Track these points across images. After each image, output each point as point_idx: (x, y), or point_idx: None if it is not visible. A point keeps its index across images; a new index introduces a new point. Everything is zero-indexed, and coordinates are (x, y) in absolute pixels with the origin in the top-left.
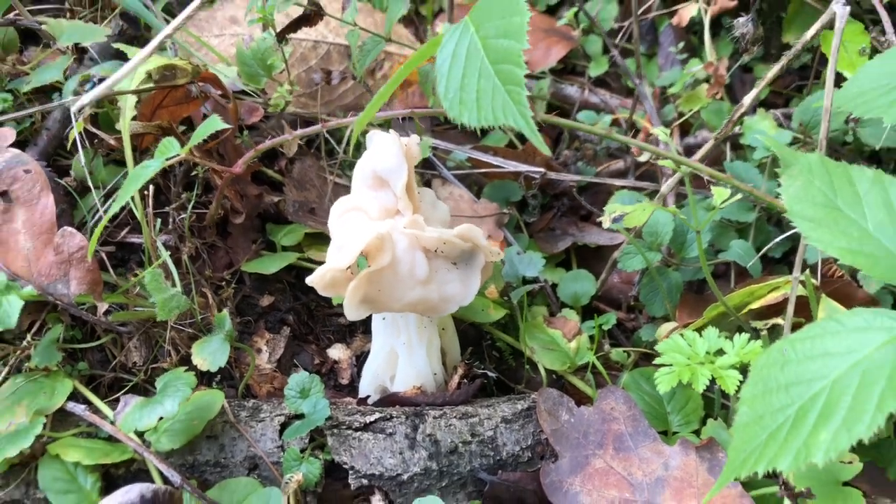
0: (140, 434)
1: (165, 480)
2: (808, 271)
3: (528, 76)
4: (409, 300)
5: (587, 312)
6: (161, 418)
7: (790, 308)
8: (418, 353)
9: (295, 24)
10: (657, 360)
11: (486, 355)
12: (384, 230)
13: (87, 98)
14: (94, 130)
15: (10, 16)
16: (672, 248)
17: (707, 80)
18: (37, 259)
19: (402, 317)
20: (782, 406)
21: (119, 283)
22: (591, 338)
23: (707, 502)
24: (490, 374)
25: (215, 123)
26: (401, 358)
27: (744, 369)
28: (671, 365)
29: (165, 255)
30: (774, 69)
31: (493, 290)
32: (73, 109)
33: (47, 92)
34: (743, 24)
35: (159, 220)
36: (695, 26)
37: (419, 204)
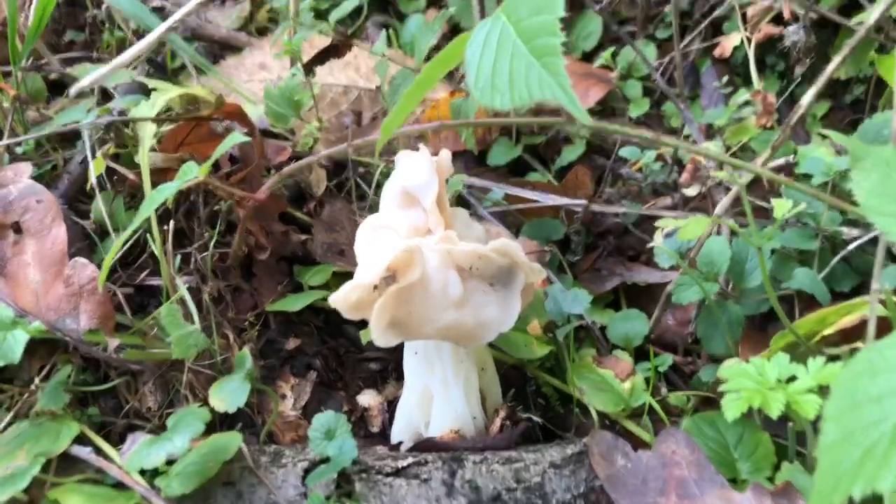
0: (151, 479)
1: None
2: (887, 286)
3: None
4: (442, 324)
5: (640, 357)
6: (172, 460)
7: (871, 326)
8: (455, 392)
9: (323, 55)
10: (722, 388)
11: (531, 402)
12: (413, 243)
13: (87, 80)
14: (114, 166)
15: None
16: (730, 278)
17: (753, 112)
18: (45, 292)
19: (435, 350)
20: (876, 420)
21: (135, 324)
22: (647, 381)
23: None
24: (535, 419)
25: (237, 138)
26: (436, 398)
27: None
28: (738, 391)
29: (184, 290)
30: (833, 63)
31: (535, 325)
32: (74, 89)
33: (71, 140)
34: (794, 32)
35: (179, 258)
36: (737, 68)
37: (453, 222)
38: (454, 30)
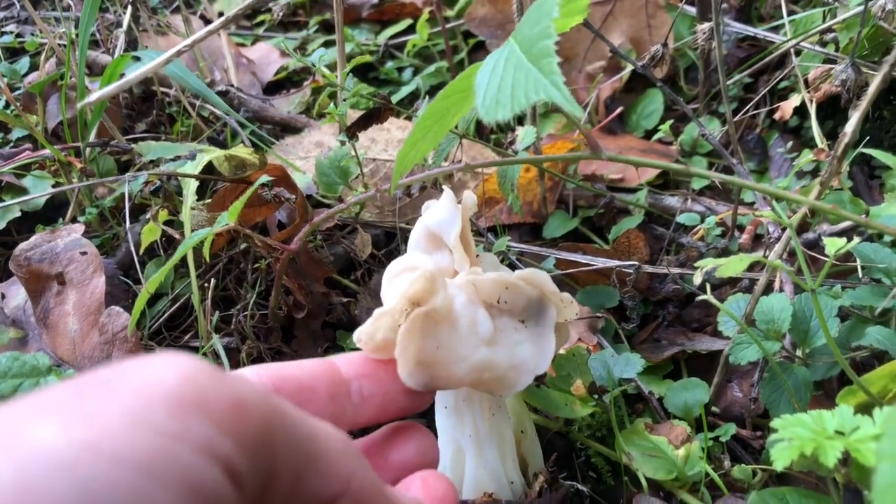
0: None
1: None
2: None
3: (625, 189)
4: (474, 362)
5: (701, 430)
6: None
7: None
8: (489, 449)
9: (365, 120)
10: (773, 437)
11: (580, 474)
12: (431, 269)
13: (95, 95)
14: (165, 229)
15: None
16: (794, 337)
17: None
18: (82, 341)
19: (466, 402)
20: None
21: None
22: (709, 454)
23: None
24: (580, 487)
25: (264, 179)
26: (468, 456)
27: None
28: (790, 440)
29: (219, 345)
30: (874, 84)
31: (579, 385)
32: (80, 104)
33: (135, 215)
34: (842, 71)
35: (217, 314)
36: (804, 131)
37: (481, 263)
38: None
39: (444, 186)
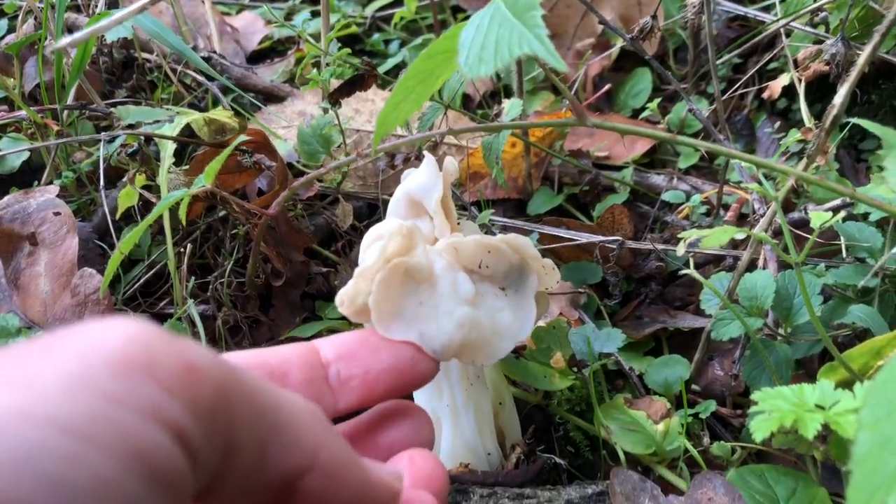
0: None
1: None
2: None
3: (611, 167)
4: (460, 316)
5: (681, 406)
6: None
7: None
8: (465, 419)
9: (349, 86)
10: (752, 409)
11: (558, 448)
12: (408, 223)
13: (66, 39)
14: (143, 193)
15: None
16: (777, 314)
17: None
18: (53, 302)
19: (443, 371)
20: None
21: None
22: (688, 431)
23: None
24: (558, 460)
25: (243, 139)
26: (444, 426)
27: None
28: (770, 412)
29: (194, 311)
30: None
31: (558, 358)
32: (48, 51)
33: (113, 181)
34: (832, 45)
35: (194, 280)
36: (792, 113)
37: (462, 232)
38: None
39: (425, 152)
